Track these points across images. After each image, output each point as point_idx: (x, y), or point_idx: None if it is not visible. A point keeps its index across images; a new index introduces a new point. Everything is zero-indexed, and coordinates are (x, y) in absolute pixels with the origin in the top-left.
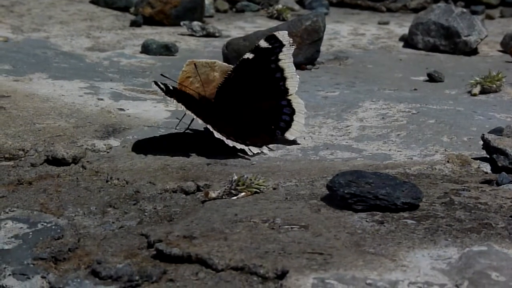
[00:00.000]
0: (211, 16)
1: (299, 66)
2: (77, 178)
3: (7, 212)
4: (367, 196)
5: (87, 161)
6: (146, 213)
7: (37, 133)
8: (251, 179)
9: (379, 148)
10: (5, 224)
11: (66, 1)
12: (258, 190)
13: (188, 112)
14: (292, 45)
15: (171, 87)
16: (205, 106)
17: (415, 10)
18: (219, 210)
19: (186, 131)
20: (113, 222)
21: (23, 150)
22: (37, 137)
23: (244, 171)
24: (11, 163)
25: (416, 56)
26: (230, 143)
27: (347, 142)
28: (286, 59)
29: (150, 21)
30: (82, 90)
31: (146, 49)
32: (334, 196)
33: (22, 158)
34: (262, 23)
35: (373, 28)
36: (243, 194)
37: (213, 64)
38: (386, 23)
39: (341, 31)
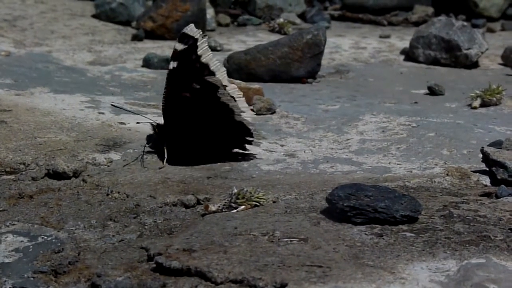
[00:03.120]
0: (212, 30)
1: (300, 79)
2: (78, 192)
3: (8, 226)
4: (366, 209)
5: (88, 175)
6: (146, 227)
7: (38, 147)
8: (250, 193)
9: (379, 161)
10: (6, 237)
11: (69, 16)
12: (258, 203)
13: None
14: (204, 36)
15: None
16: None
17: (416, 24)
18: (219, 223)
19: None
20: (113, 236)
21: (24, 164)
22: (38, 151)
23: (244, 185)
24: (12, 177)
25: (417, 70)
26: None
27: (347, 155)
28: (205, 53)
29: (151, 35)
30: (83, 104)
31: (147, 63)
32: (333, 209)
33: (23, 172)
34: (264, 37)
35: (374, 42)
36: (242, 207)
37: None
38: (387, 36)
39: (342, 45)
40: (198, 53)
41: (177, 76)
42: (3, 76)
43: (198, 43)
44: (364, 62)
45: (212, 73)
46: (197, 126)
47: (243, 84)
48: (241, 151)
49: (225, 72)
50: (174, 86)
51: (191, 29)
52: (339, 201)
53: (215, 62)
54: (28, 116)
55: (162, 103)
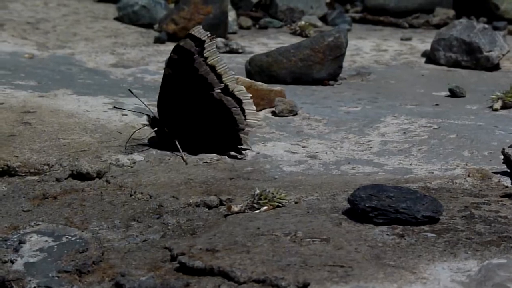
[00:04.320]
0: (234, 33)
1: (321, 81)
2: (101, 193)
3: (32, 226)
4: (387, 210)
5: (111, 176)
6: (169, 227)
7: (61, 148)
8: (273, 193)
9: (400, 162)
10: (30, 237)
11: (91, 18)
12: (280, 204)
13: None
14: (213, 38)
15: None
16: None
17: (438, 26)
18: (242, 223)
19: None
20: (136, 236)
21: (48, 165)
22: (62, 152)
23: (267, 185)
24: (36, 177)
25: (438, 72)
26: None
27: (368, 157)
28: (212, 55)
29: (174, 37)
30: (106, 106)
31: None
32: (355, 209)
33: (47, 173)
34: (285, 39)
35: (395, 44)
36: (265, 208)
37: (236, 80)
38: (409, 39)
39: (364, 47)
40: (205, 54)
41: (175, 67)
42: (27, 78)
43: (205, 45)
44: (385, 65)
45: (219, 76)
46: (191, 123)
47: (265, 86)
48: (238, 155)
49: (233, 75)
50: (173, 83)
51: (198, 31)
52: (361, 201)
53: (222, 65)
54: (52, 118)
55: (159, 96)
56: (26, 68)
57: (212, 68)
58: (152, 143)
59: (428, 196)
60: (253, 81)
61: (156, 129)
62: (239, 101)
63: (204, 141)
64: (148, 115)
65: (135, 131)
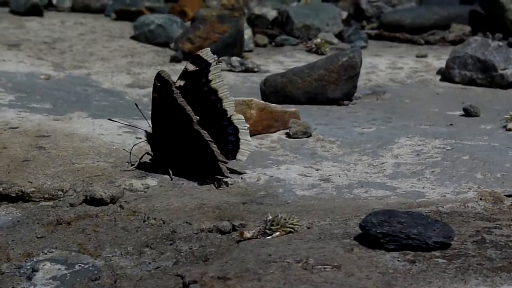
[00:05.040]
0: (250, 51)
1: (336, 101)
2: (115, 218)
3: (46, 253)
4: (399, 236)
5: (125, 201)
6: (182, 253)
7: (76, 173)
8: (285, 219)
9: (413, 185)
10: (44, 265)
11: (108, 37)
12: (292, 230)
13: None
14: (219, 62)
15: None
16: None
17: (453, 43)
18: (254, 250)
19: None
20: (149, 263)
21: (62, 190)
22: (76, 177)
23: (279, 210)
24: (51, 203)
25: (453, 90)
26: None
27: (381, 180)
28: (216, 79)
29: (190, 56)
30: (121, 129)
31: None
32: (366, 235)
33: (61, 198)
34: (301, 57)
35: (411, 62)
36: (277, 233)
37: (249, 102)
38: (424, 56)
39: (379, 65)
40: (209, 77)
41: (182, 93)
42: (43, 101)
43: (211, 68)
44: (400, 83)
45: (219, 100)
46: (177, 146)
47: (279, 107)
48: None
49: (233, 102)
50: (159, 107)
51: (206, 53)
52: (372, 227)
53: (225, 90)
54: (67, 142)
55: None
56: (42, 90)
57: (214, 91)
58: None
59: (439, 221)
60: (267, 102)
61: (150, 145)
62: (236, 129)
63: (190, 164)
64: (146, 131)
65: (133, 146)
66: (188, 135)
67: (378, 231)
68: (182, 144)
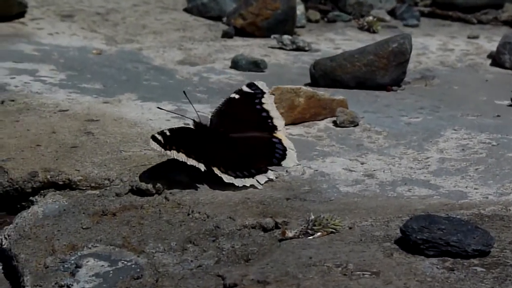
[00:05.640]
0: (302, 27)
1: (385, 87)
2: (160, 210)
3: (90, 248)
4: (438, 242)
5: (170, 193)
6: (224, 252)
7: (123, 162)
8: (327, 219)
9: (456, 184)
10: (87, 261)
11: (161, 9)
12: (334, 230)
13: (190, 161)
14: (272, 94)
15: (168, 133)
16: (201, 134)
17: (506, 23)
18: (295, 251)
19: None
20: (191, 261)
21: (108, 179)
22: (123, 166)
23: (322, 208)
24: (97, 192)
25: (502, 76)
26: (226, 178)
27: (425, 177)
28: (268, 103)
29: (241, 32)
30: (169, 114)
31: (235, 64)
32: (406, 240)
33: (108, 188)
34: (352, 35)
35: (462, 43)
36: (319, 234)
37: (298, 89)
38: (476, 37)
39: (430, 46)
40: (263, 100)
41: (236, 104)
42: (93, 80)
43: (265, 95)
44: (450, 67)
45: (271, 118)
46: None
47: (327, 95)
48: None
49: (283, 123)
50: (231, 109)
51: (262, 85)
52: (413, 233)
53: (277, 114)
54: (115, 127)
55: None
56: (93, 67)
57: (267, 111)
58: None
59: (479, 228)
60: (315, 90)
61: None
62: (284, 148)
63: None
64: (194, 120)
65: None
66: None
67: (418, 237)
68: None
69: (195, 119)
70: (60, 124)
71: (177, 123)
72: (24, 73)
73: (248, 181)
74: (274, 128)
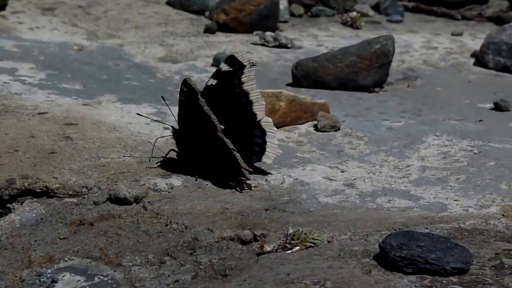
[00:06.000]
0: (285, 22)
1: (367, 88)
2: (138, 220)
3: (66, 261)
4: (417, 260)
5: (148, 202)
6: (201, 266)
7: (101, 169)
8: (305, 233)
9: (437, 195)
10: (63, 276)
11: (143, 2)
12: (312, 245)
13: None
14: (253, 65)
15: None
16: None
17: (491, 19)
18: (273, 267)
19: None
20: (168, 275)
21: (86, 187)
22: (101, 173)
23: (301, 220)
24: (75, 200)
25: (485, 77)
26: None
27: (405, 187)
28: (249, 81)
29: (224, 28)
30: (149, 118)
31: (217, 62)
32: (385, 257)
33: (85, 196)
34: (336, 31)
35: (446, 41)
36: (297, 248)
37: (279, 93)
38: (460, 34)
39: (414, 44)
40: (242, 79)
41: (212, 93)
42: (73, 79)
43: (245, 70)
44: (433, 66)
45: (250, 103)
46: (203, 145)
47: (308, 99)
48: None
49: (264, 106)
50: (208, 99)
51: (241, 55)
52: (391, 250)
53: (256, 94)
54: (94, 132)
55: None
56: (73, 64)
57: (246, 94)
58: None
59: (458, 246)
60: (296, 94)
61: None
62: (263, 132)
63: (214, 166)
64: (172, 127)
65: (156, 139)
66: (212, 140)
67: (397, 254)
68: (207, 146)
69: (173, 126)
70: (38, 128)
71: (157, 128)
72: (4, 72)
73: None
74: (254, 116)
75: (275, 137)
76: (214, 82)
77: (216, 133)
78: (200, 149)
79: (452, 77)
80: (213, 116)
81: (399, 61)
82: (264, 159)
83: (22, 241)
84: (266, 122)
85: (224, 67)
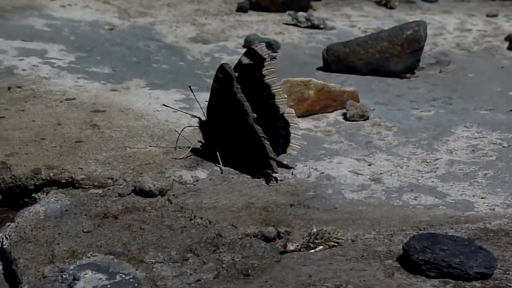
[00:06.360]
0: (319, 0)
1: (398, 74)
2: (162, 214)
3: (89, 256)
4: (440, 264)
5: (173, 195)
6: (223, 265)
7: (127, 160)
8: (329, 233)
9: (463, 192)
10: (85, 274)
11: None
12: (336, 244)
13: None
14: (273, 58)
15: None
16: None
17: None
18: (295, 268)
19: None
20: (190, 274)
21: (111, 178)
22: (127, 164)
23: (326, 217)
24: (100, 191)
25: None
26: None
27: (432, 182)
28: (269, 74)
29: (256, 6)
30: (177, 104)
31: (248, 44)
32: (408, 260)
33: (110, 187)
34: (369, 11)
35: (480, 22)
36: (320, 247)
37: (308, 82)
38: (495, 15)
39: (447, 25)
40: (263, 72)
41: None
42: (103, 62)
43: (265, 63)
44: (466, 50)
45: (272, 96)
46: (230, 138)
47: (338, 87)
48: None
49: (286, 99)
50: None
51: (261, 48)
52: (415, 253)
53: (278, 87)
54: (121, 120)
55: (208, 104)
56: (104, 46)
57: (267, 87)
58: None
59: (482, 249)
60: (325, 83)
61: (203, 132)
62: (287, 124)
63: (241, 157)
64: (199, 118)
65: (182, 129)
66: (242, 129)
67: (420, 258)
68: (235, 136)
69: (200, 117)
70: (66, 115)
71: (184, 117)
72: (33, 54)
73: None
74: (277, 109)
75: (298, 128)
76: (236, 74)
77: (247, 121)
78: (228, 139)
79: (484, 63)
80: (246, 103)
81: (432, 44)
82: (289, 150)
83: (46, 234)
84: (289, 113)
85: (245, 60)
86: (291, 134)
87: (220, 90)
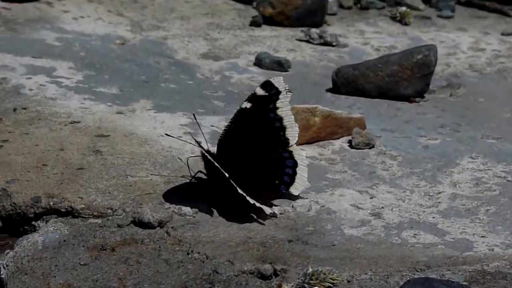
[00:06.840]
0: (334, 14)
1: (408, 98)
2: (160, 247)
3: None
4: None
5: (172, 227)
6: None
7: (127, 189)
8: (325, 273)
9: (464, 230)
10: None
11: None
12: (331, 285)
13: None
14: (289, 92)
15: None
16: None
17: None
18: None
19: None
20: None
21: (111, 209)
22: (127, 194)
23: (323, 255)
24: (99, 221)
25: None
26: (251, 200)
27: (433, 218)
28: (283, 107)
29: (270, 21)
30: (182, 129)
31: (259, 62)
32: None
33: (110, 218)
34: (384, 27)
35: (495, 41)
36: None
37: (314, 109)
38: (510, 34)
39: (461, 44)
40: (277, 104)
41: (247, 115)
42: (111, 81)
43: (280, 96)
44: (479, 72)
45: (283, 128)
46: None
47: (344, 114)
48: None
49: (297, 131)
50: (241, 123)
51: (278, 81)
52: None
53: (291, 119)
54: (124, 145)
55: (221, 135)
56: (113, 62)
57: (280, 119)
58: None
59: None
60: (331, 110)
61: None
62: (295, 164)
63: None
64: (202, 147)
65: (188, 159)
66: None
67: None
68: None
69: (203, 149)
70: (69, 139)
71: (188, 143)
72: (41, 71)
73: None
74: (286, 142)
75: (306, 170)
76: (248, 105)
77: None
78: (221, 183)
79: (496, 86)
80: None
81: (444, 64)
82: (291, 189)
83: (42, 265)
84: (299, 154)
85: (260, 91)
86: (297, 174)
87: (253, 112)
